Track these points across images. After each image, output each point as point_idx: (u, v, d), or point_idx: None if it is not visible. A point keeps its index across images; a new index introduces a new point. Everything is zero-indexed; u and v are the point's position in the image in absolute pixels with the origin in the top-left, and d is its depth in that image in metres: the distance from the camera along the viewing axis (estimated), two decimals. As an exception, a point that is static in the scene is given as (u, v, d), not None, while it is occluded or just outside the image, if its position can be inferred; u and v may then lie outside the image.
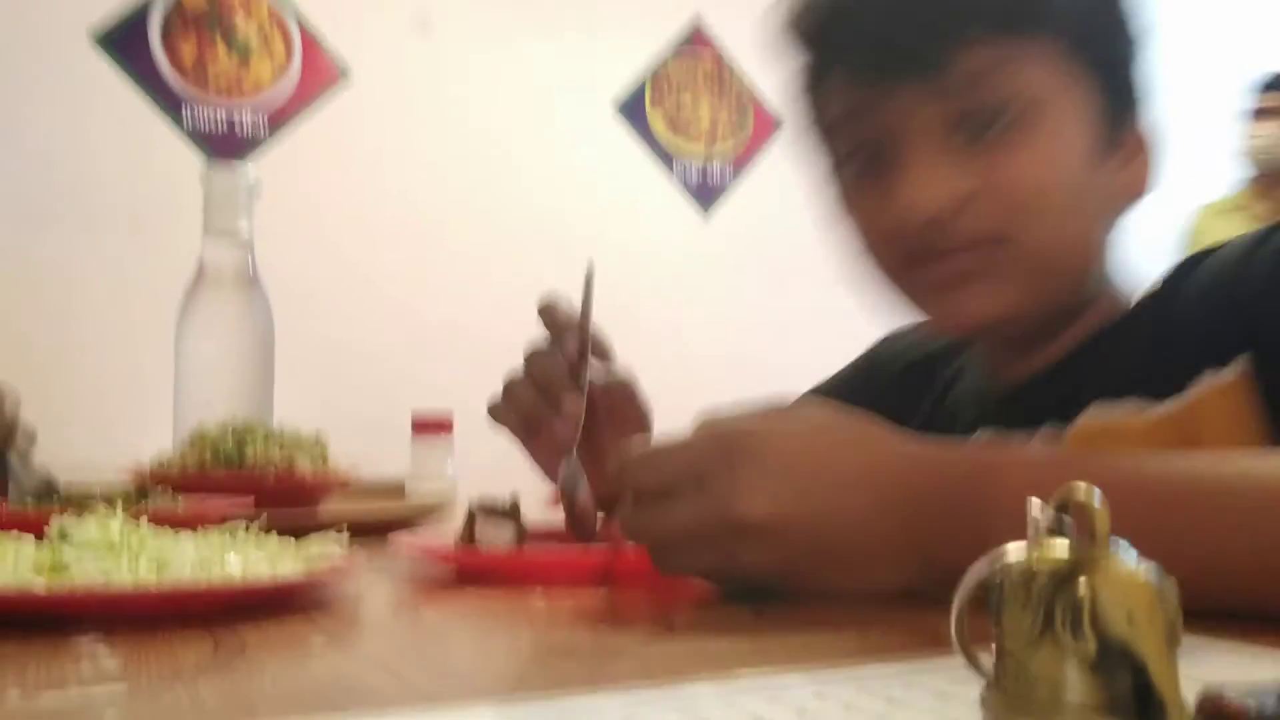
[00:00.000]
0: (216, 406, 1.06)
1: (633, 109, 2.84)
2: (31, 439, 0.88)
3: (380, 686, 0.37)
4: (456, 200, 2.64)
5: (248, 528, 0.58)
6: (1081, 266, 0.72)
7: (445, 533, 0.73)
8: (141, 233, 2.36)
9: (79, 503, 0.68)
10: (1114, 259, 0.75)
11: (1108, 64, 0.70)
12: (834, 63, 0.72)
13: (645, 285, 2.64)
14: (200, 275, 1.14)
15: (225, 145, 2.51)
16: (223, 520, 0.60)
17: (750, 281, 2.79)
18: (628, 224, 2.75)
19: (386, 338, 2.49)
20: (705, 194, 2.87)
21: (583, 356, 0.77)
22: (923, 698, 0.31)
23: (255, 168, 1.24)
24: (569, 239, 2.68)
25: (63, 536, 0.52)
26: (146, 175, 2.40)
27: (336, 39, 2.62)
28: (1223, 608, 0.41)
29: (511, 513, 0.68)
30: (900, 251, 0.71)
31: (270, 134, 2.56)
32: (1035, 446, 0.55)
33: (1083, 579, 0.26)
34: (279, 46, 2.59)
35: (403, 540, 0.68)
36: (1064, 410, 0.71)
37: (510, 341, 0.90)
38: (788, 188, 3.02)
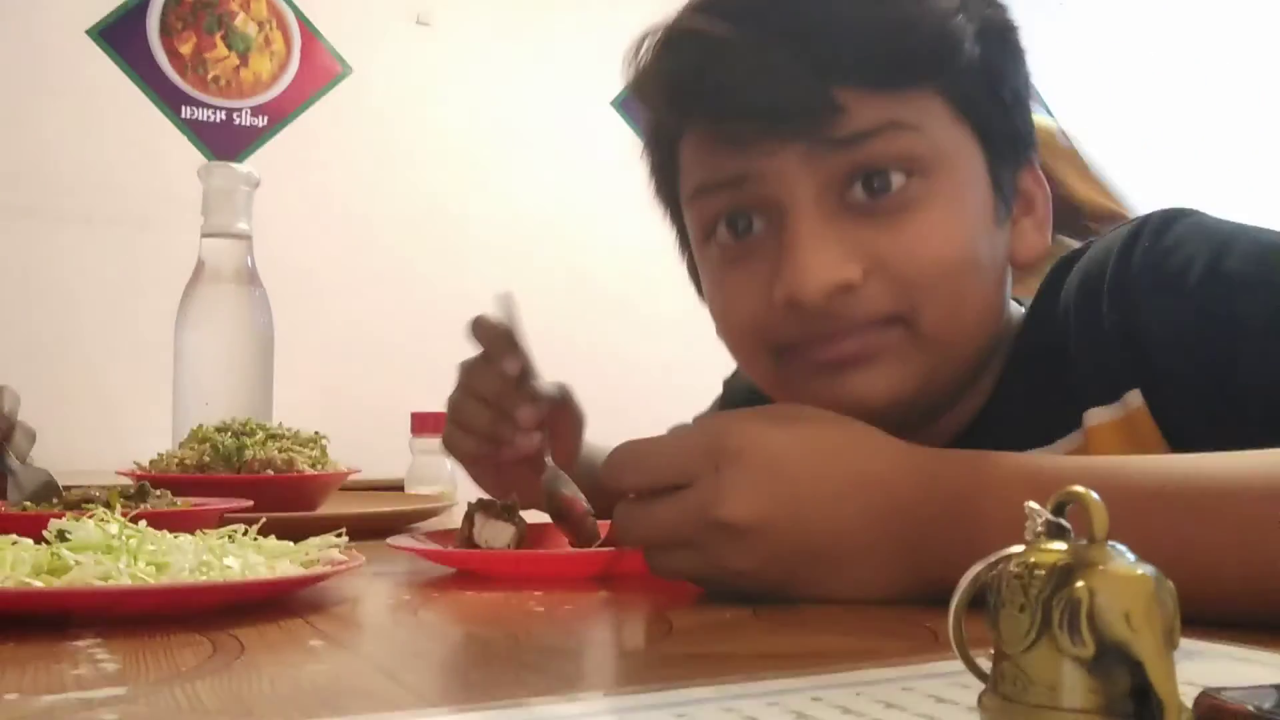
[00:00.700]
0: (216, 405, 1.06)
1: (633, 105, 2.84)
2: (31, 438, 0.88)
3: (378, 688, 0.36)
4: (456, 197, 2.64)
5: (246, 528, 0.58)
6: (983, 339, 0.66)
7: (444, 533, 0.73)
8: (140, 230, 2.36)
9: (78, 502, 0.68)
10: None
11: (991, 118, 0.64)
12: (694, 123, 0.65)
13: (645, 281, 2.64)
14: (199, 272, 1.14)
15: (224, 142, 2.51)
16: (221, 520, 0.60)
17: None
18: (628, 220, 2.75)
19: (386, 336, 2.49)
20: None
21: (525, 368, 0.76)
22: (920, 701, 0.31)
23: (254, 164, 1.24)
24: (569, 235, 2.68)
25: (61, 537, 0.52)
26: (145, 172, 2.40)
27: (336, 35, 2.62)
28: (1212, 611, 0.41)
29: (510, 513, 0.67)
30: (780, 335, 0.64)
31: (269, 130, 2.56)
32: (1025, 453, 0.54)
33: (1080, 580, 0.26)
34: (278, 42, 2.59)
35: (402, 541, 0.68)
36: None
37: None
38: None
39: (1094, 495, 0.27)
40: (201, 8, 2.54)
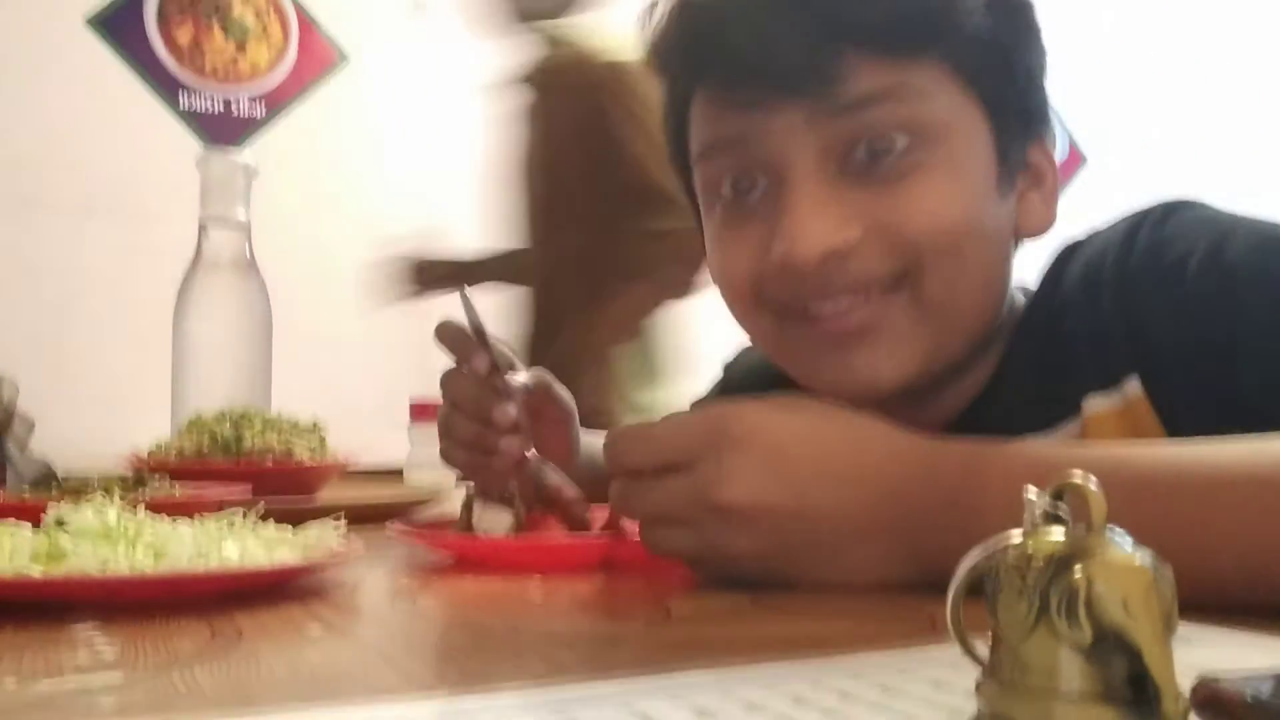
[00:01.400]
0: (214, 393, 1.06)
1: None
2: (29, 426, 0.88)
3: (377, 674, 0.37)
4: (454, 185, 2.63)
5: (245, 515, 0.58)
6: (987, 312, 0.66)
7: (443, 520, 0.73)
8: (139, 218, 2.36)
9: (77, 490, 0.68)
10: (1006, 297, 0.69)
11: (1000, 92, 0.64)
12: (701, 83, 0.65)
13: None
14: (198, 261, 1.14)
15: (222, 130, 2.51)
16: (220, 507, 0.60)
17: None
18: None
19: (384, 324, 2.49)
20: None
21: (495, 367, 0.75)
22: (918, 686, 0.31)
23: (252, 152, 1.23)
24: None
25: (60, 524, 0.52)
26: (143, 160, 2.39)
27: (334, 23, 2.61)
28: (1216, 595, 0.41)
29: (509, 500, 0.67)
30: (780, 301, 0.65)
31: (267, 118, 2.55)
32: (1025, 442, 0.54)
33: (1078, 566, 0.26)
34: (276, 30, 2.58)
35: (400, 527, 0.68)
36: None
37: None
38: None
39: (1091, 483, 0.27)
40: (199, -5, 2.53)
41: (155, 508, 0.56)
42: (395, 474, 1.32)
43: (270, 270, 1.18)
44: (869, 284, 0.62)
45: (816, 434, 0.53)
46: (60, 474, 0.80)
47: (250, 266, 1.15)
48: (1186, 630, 0.28)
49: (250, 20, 2.57)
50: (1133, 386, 0.61)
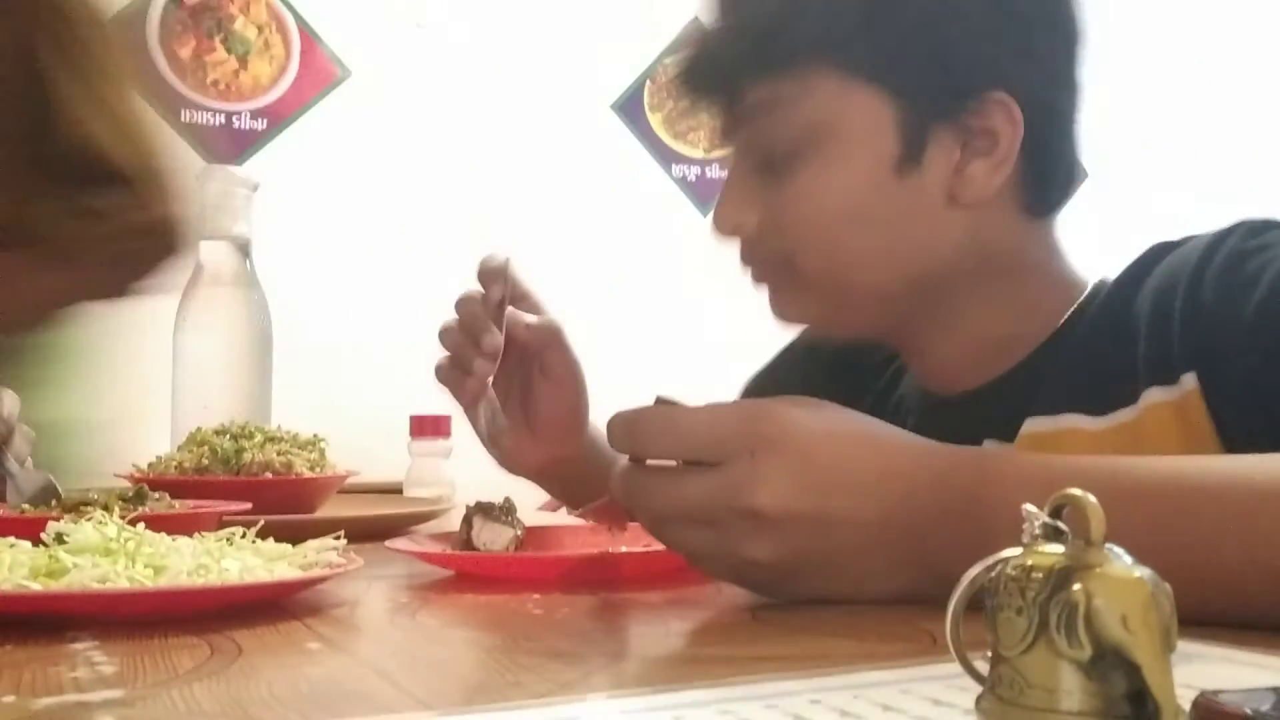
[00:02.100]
0: (214, 408, 1.06)
1: (631, 108, 2.84)
2: (30, 441, 0.88)
3: (376, 691, 0.37)
4: (455, 200, 2.64)
5: (245, 531, 0.58)
6: (894, 278, 0.72)
7: (443, 536, 0.73)
8: (140, 233, 2.36)
9: (76, 505, 0.68)
10: (1052, 257, 0.75)
11: (903, 76, 0.69)
12: (696, 102, 0.78)
13: (644, 284, 2.64)
14: (198, 275, 1.14)
15: (223, 145, 2.51)
16: (220, 523, 0.59)
17: (749, 280, 2.77)
18: (626, 223, 2.75)
19: (385, 339, 2.49)
20: (704, 193, 2.87)
21: (503, 300, 0.82)
22: (919, 704, 0.31)
23: (253, 168, 1.24)
24: (567, 239, 2.68)
25: (59, 540, 0.52)
26: (145, 176, 2.39)
27: (335, 38, 2.62)
28: (1221, 612, 0.42)
29: (509, 516, 0.67)
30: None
31: (269, 133, 2.56)
32: (1035, 454, 0.55)
33: (1077, 583, 0.26)
34: (278, 45, 2.59)
35: (400, 544, 0.68)
36: (1008, 421, 0.71)
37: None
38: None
39: (1091, 498, 0.27)
40: (201, 11, 2.54)
41: (155, 523, 0.56)
42: (395, 489, 1.32)
43: (271, 285, 1.18)
44: (763, 260, 0.75)
45: (841, 433, 0.53)
46: (60, 488, 0.80)
47: (251, 281, 1.15)
48: (1186, 647, 0.28)
49: (252, 35, 2.57)
50: (1189, 380, 0.64)
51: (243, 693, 0.36)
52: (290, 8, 2.60)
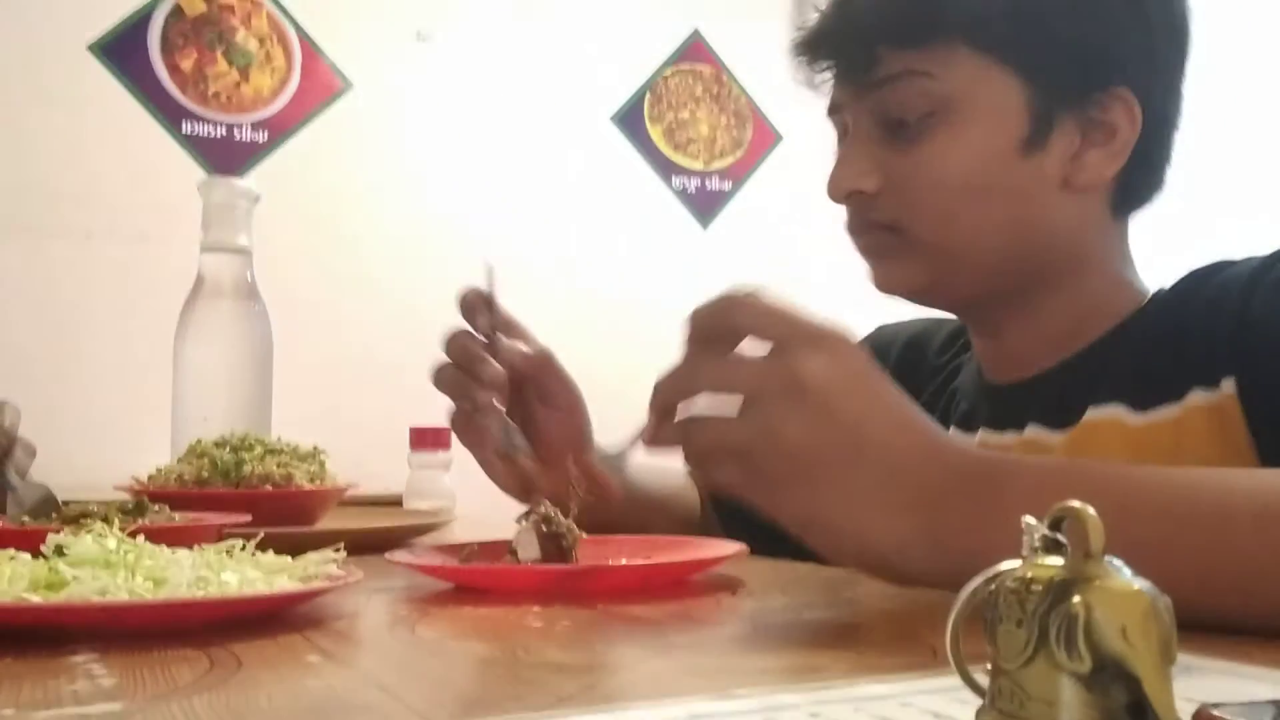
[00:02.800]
0: (214, 419, 1.06)
1: (631, 120, 2.85)
2: (31, 454, 0.88)
3: (376, 704, 0.36)
4: (455, 213, 2.64)
5: (244, 543, 0.58)
6: (997, 252, 0.75)
7: (443, 548, 0.73)
8: (140, 244, 2.36)
9: (76, 518, 0.68)
10: (1122, 259, 0.78)
11: (1035, 59, 0.72)
12: (820, 67, 0.81)
13: (644, 295, 2.64)
14: (199, 287, 1.14)
15: (225, 156, 2.51)
16: (219, 536, 0.59)
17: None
18: (626, 235, 2.76)
19: (385, 351, 2.49)
20: (704, 205, 2.88)
21: (494, 329, 0.82)
22: (919, 717, 0.31)
23: (255, 179, 1.24)
24: (567, 250, 2.68)
25: (59, 552, 0.52)
26: (145, 187, 2.40)
27: (337, 50, 2.63)
28: (1227, 619, 0.42)
29: (555, 524, 0.67)
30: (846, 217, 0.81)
31: (270, 145, 2.56)
32: (1048, 458, 0.57)
33: (1077, 595, 0.26)
34: (279, 57, 2.60)
35: (400, 556, 0.68)
36: (1061, 410, 0.74)
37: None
38: (786, 199, 3.00)
39: (1090, 510, 0.27)
40: (203, 23, 2.55)
41: (154, 535, 0.56)
42: (395, 502, 1.32)
43: (271, 296, 1.18)
44: (875, 226, 0.76)
45: (889, 383, 0.55)
46: (60, 500, 0.80)
47: (251, 292, 1.15)
48: (1186, 659, 0.28)
49: (253, 47, 2.58)
50: (1229, 384, 0.66)
51: (242, 706, 0.36)
52: (292, 20, 2.61)
